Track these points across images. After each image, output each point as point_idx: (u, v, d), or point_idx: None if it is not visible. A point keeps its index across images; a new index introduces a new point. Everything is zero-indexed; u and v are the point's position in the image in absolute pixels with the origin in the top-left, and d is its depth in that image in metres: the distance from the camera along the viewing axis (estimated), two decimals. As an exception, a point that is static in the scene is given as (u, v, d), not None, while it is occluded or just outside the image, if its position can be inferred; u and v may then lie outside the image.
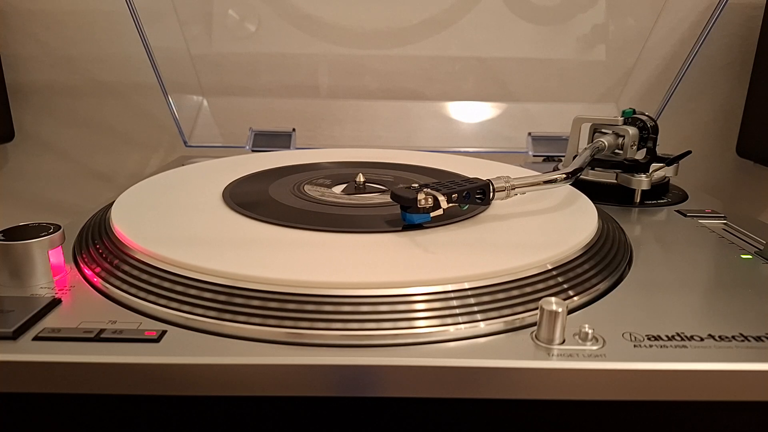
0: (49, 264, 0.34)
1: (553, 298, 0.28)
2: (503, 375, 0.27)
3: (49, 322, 0.29)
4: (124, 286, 0.32)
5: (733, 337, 0.29)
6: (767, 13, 0.73)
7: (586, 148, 0.51)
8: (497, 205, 0.43)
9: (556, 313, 0.27)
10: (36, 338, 0.27)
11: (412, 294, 0.30)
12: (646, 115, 0.54)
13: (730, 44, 0.79)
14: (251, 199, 0.44)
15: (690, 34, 0.76)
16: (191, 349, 0.27)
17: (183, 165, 0.58)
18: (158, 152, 0.86)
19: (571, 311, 0.31)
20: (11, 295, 0.31)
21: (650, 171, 0.52)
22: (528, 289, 0.31)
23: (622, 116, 0.54)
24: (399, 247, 0.35)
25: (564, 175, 0.44)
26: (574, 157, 0.50)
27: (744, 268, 0.38)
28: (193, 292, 0.30)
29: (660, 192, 0.54)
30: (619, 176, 0.53)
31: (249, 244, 0.36)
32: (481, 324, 0.29)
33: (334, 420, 0.28)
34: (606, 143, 0.53)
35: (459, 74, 0.80)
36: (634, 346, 0.28)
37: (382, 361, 0.26)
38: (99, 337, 0.28)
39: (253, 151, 0.75)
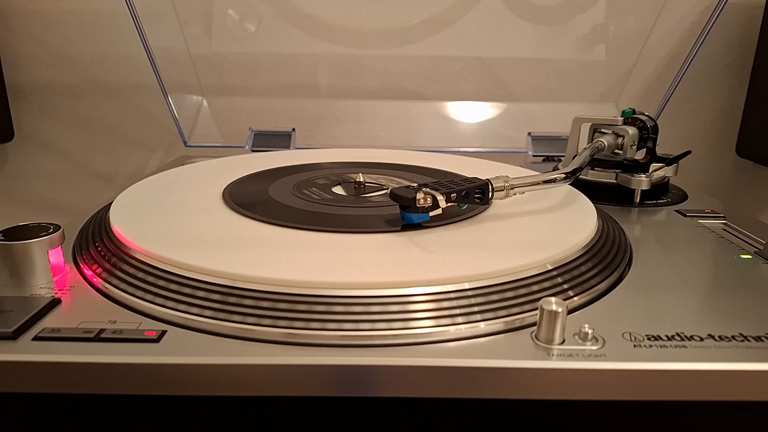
0: (48, 264, 0.34)
1: (553, 298, 0.28)
2: (503, 375, 0.27)
3: (49, 322, 0.29)
4: (124, 286, 0.32)
5: (733, 337, 0.29)
6: (767, 13, 0.73)
7: (585, 148, 0.51)
8: (497, 205, 0.43)
9: (556, 313, 0.27)
10: (36, 338, 0.27)
11: (412, 294, 0.30)
12: (646, 115, 0.54)
13: (730, 44, 0.79)
14: (251, 199, 0.44)
15: (690, 34, 0.76)
16: (191, 349, 0.27)
17: (183, 165, 0.57)
18: (158, 152, 0.86)
19: (571, 311, 0.31)
20: (11, 295, 0.31)
21: (650, 171, 0.52)
22: (528, 289, 0.31)
23: (621, 116, 0.54)
24: (398, 247, 0.35)
25: (563, 175, 0.44)
26: (574, 157, 0.50)
27: (744, 268, 0.38)
28: (192, 292, 0.30)
29: (660, 192, 0.54)
30: (618, 176, 0.53)
31: (249, 244, 0.36)
32: (481, 324, 0.29)
33: (334, 420, 0.28)
34: (606, 143, 0.53)
35: (459, 74, 0.80)
36: (634, 346, 0.28)
37: (381, 361, 0.26)
38: (99, 337, 0.28)
39: (253, 151, 0.75)
